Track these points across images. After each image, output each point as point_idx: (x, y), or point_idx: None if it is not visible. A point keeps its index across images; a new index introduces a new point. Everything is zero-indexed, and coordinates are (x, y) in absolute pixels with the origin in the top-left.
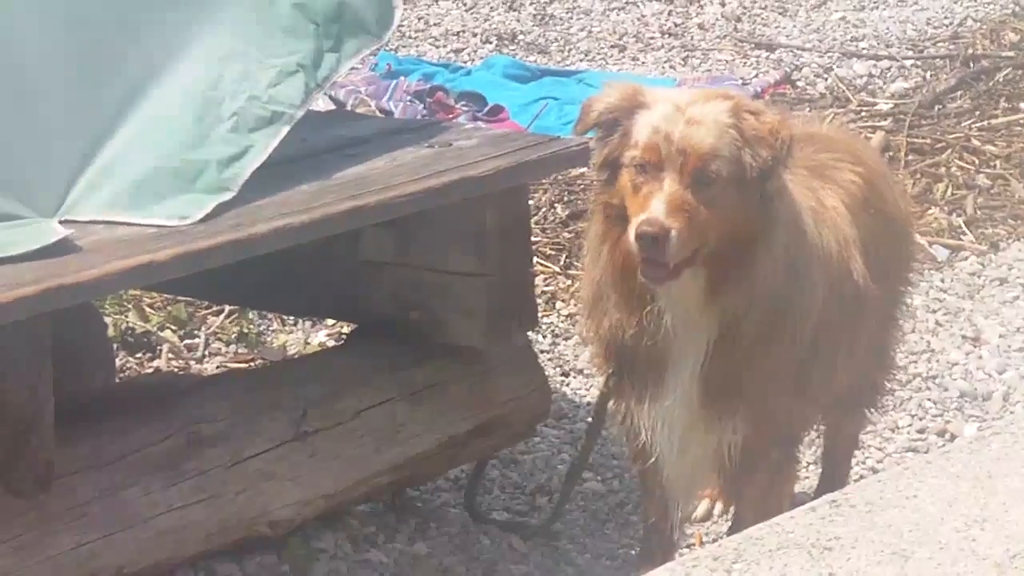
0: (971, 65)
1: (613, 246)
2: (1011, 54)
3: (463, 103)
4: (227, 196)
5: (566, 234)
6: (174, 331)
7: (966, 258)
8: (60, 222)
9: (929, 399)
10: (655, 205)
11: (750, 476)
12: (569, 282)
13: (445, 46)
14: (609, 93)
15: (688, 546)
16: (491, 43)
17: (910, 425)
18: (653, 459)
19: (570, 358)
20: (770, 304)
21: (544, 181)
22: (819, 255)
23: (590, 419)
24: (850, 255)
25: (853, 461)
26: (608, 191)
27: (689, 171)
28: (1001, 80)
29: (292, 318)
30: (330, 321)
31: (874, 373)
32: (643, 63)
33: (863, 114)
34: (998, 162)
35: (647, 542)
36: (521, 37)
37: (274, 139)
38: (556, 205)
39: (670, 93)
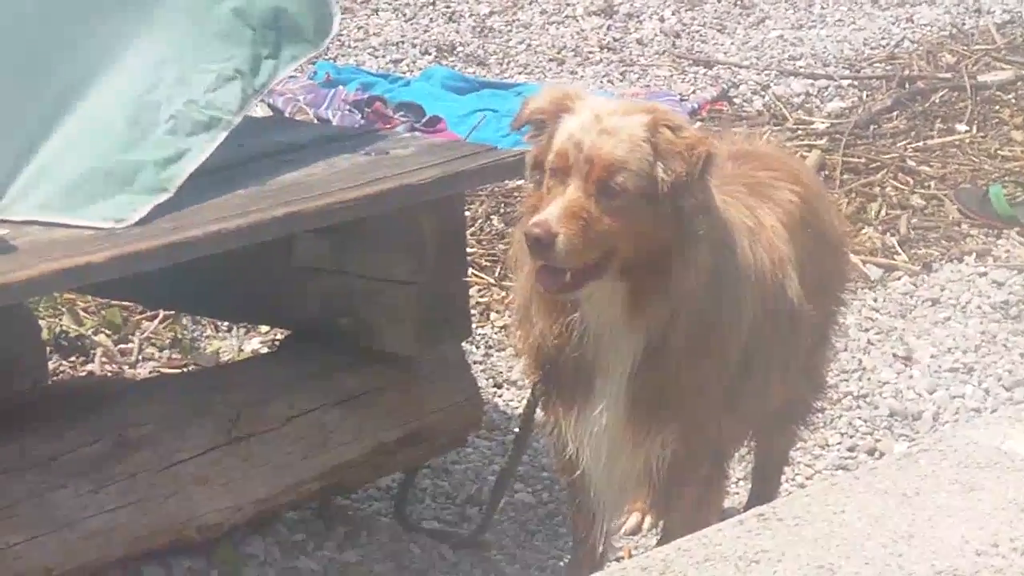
0: (907, 86)
1: None
2: (947, 76)
3: (401, 113)
4: (164, 197)
5: (502, 246)
6: (108, 335)
7: (899, 278)
8: None
9: (860, 417)
10: (550, 208)
11: (679, 490)
12: (504, 294)
13: (384, 56)
14: (542, 95)
15: (617, 559)
16: (430, 54)
17: (840, 443)
18: (580, 472)
19: (503, 369)
20: (696, 319)
21: (481, 193)
22: (749, 273)
23: (518, 429)
24: (785, 274)
25: (783, 477)
26: (536, 194)
27: (593, 180)
28: (937, 101)
29: (226, 324)
30: (264, 328)
31: (805, 391)
32: (581, 77)
33: (799, 132)
34: (932, 183)
35: (575, 554)
36: (460, 49)
37: (211, 144)
38: (492, 217)
39: (599, 101)
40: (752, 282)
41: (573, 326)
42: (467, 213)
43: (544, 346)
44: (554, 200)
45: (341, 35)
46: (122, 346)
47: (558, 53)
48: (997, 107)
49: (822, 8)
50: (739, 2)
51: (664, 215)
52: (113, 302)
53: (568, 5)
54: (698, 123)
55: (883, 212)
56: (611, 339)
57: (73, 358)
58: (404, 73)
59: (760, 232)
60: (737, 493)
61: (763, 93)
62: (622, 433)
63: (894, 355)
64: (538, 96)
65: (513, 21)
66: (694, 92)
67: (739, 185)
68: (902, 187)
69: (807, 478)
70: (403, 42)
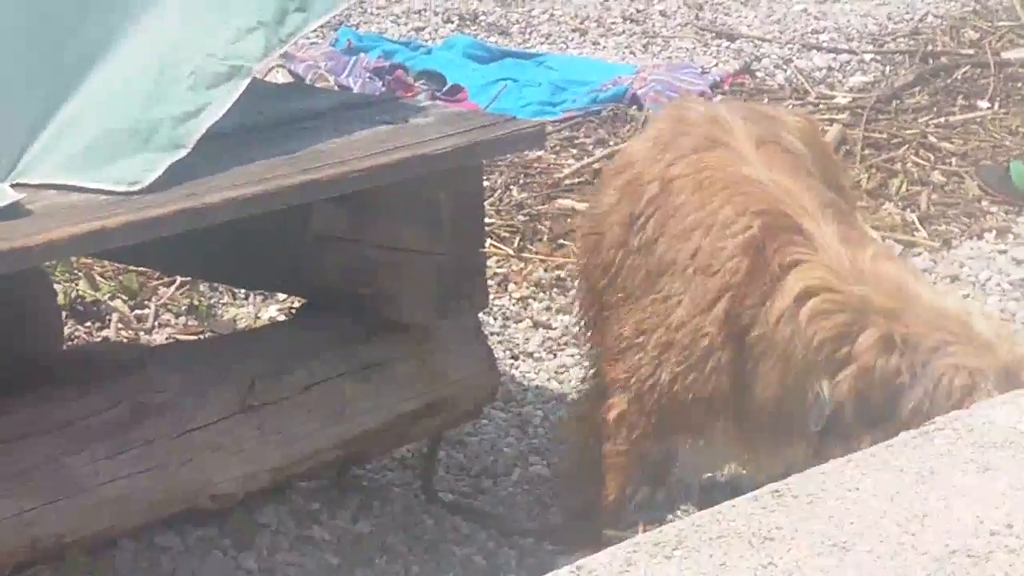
0: (930, 62)
1: None
2: (970, 52)
3: (422, 82)
4: (181, 153)
5: (520, 217)
6: (124, 301)
7: (919, 254)
8: (11, 186)
9: None
10: None
11: None
12: (522, 265)
13: (406, 24)
14: None
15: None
16: (452, 23)
17: None
18: None
19: (520, 341)
20: None
21: (500, 163)
22: None
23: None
24: None
25: None
26: None
27: None
28: (960, 77)
29: (243, 292)
30: (281, 296)
31: None
32: (604, 48)
33: (821, 107)
34: (954, 159)
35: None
36: (483, 18)
37: (233, 93)
38: (511, 187)
39: None
40: None
41: None
42: (486, 183)
43: None
44: None
45: (364, 2)
46: (138, 312)
47: (580, 24)
48: (1020, 84)
49: None
50: None
51: None
52: (130, 268)
53: None
54: (719, 96)
55: (904, 188)
56: None
57: (89, 323)
58: (426, 41)
59: None
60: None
61: (785, 67)
62: None
63: None
64: None
65: None
66: (716, 65)
67: None
68: (923, 163)
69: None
70: (425, 10)
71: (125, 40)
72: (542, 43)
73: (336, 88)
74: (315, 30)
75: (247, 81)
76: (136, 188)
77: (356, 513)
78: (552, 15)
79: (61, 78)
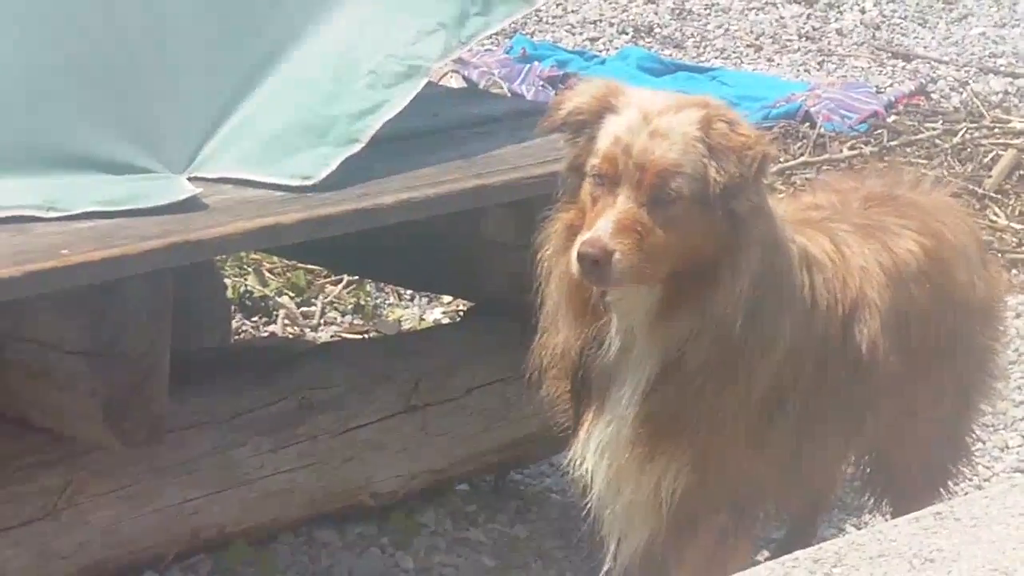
0: None
1: (570, 260)
2: None
3: None
4: (355, 148)
5: None
6: (291, 297)
7: None
8: (189, 179)
9: None
10: (601, 223)
11: (691, 538)
12: None
13: (581, 34)
14: (580, 92)
15: None
16: (627, 34)
17: (1021, 445)
18: (593, 494)
19: None
20: (722, 337)
21: None
22: (794, 300)
23: None
24: (857, 318)
25: (963, 477)
26: (571, 199)
27: (647, 188)
28: None
29: (409, 293)
30: (446, 299)
31: (945, 457)
32: (778, 64)
33: (996, 131)
34: None
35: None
36: (658, 30)
37: (410, 92)
38: None
39: (644, 97)
40: (798, 311)
41: (601, 332)
42: None
43: (568, 355)
44: (603, 213)
45: (539, 11)
46: (304, 309)
47: (756, 39)
48: None
49: None
50: None
51: (714, 221)
52: (299, 265)
53: None
54: (894, 116)
55: None
56: (631, 348)
57: (256, 318)
58: (600, 52)
59: (838, 268)
60: None
61: (961, 90)
62: (629, 454)
63: None
64: (577, 93)
65: (712, 5)
66: (891, 85)
67: (846, 224)
68: None
69: (985, 480)
70: (601, 21)
71: (307, 40)
72: (716, 57)
73: (509, 95)
74: (490, 37)
75: (424, 80)
76: (310, 183)
77: (513, 517)
78: (727, 30)
79: (242, 75)
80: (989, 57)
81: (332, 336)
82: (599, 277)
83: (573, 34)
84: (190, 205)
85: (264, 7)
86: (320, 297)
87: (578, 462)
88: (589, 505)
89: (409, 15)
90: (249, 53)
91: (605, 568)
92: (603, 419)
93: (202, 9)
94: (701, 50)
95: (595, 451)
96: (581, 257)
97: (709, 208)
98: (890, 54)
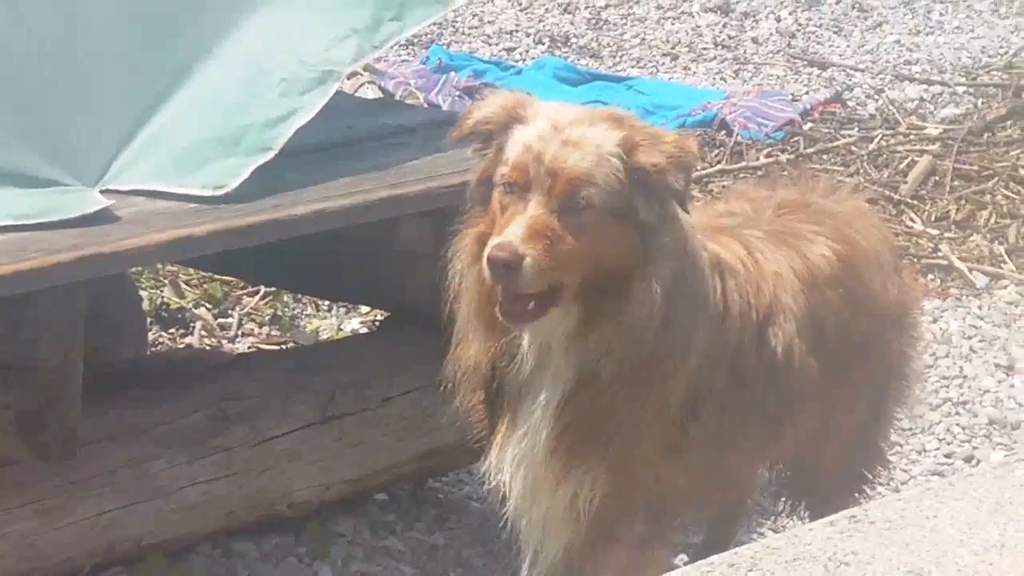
0: (1023, 95)
1: (481, 272)
2: None
3: None
4: (268, 156)
5: None
6: (208, 309)
7: (1005, 287)
8: (101, 191)
9: (958, 424)
10: (512, 229)
11: (608, 546)
12: None
13: (497, 44)
14: (488, 103)
15: None
16: (543, 44)
17: (937, 449)
18: (510, 504)
19: None
20: (635, 347)
21: None
22: (707, 307)
23: None
24: (772, 323)
25: (879, 481)
26: (480, 213)
27: (557, 195)
28: None
29: (326, 304)
30: (364, 309)
31: (859, 462)
32: (694, 73)
33: (911, 137)
34: None
35: None
36: (574, 40)
37: (322, 98)
38: None
39: (553, 109)
40: (711, 318)
41: (512, 347)
42: None
43: (480, 368)
44: (514, 219)
45: (455, 21)
46: (222, 320)
47: (672, 48)
48: None
49: (940, 15)
50: (857, 4)
51: (625, 233)
52: (215, 276)
53: (684, 1)
54: (810, 124)
55: (993, 220)
56: (547, 362)
57: (173, 330)
58: (516, 62)
59: (752, 274)
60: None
61: (877, 97)
62: (544, 465)
63: (996, 364)
64: (484, 104)
65: (628, 15)
66: (807, 93)
67: (759, 230)
68: (1013, 196)
69: (902, 483)
70: (517, 31)
71: (220, 51)
72: (632, 67)
73: (425, 105)
74: (406, 47)
75: (336, 85)
76: (223, 192)
77: (432, 525)
78: (643, 39)
79: (156, 87)
80: (904, 64)
81: (249, 348)
82: (510, 281)
83: (489, 44)
84: (102, 218)
85: (177, 20)
86: (237, 309)
87: (494, 473)
88: (507, 515)
89: (322, 22)
90: (162, 65)
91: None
92: (518, 432)
93: (115, 22)
94: (617, 60)
95: (511, 463)
96: (492, 261)
97: (619, 219)
98: (806, 62)
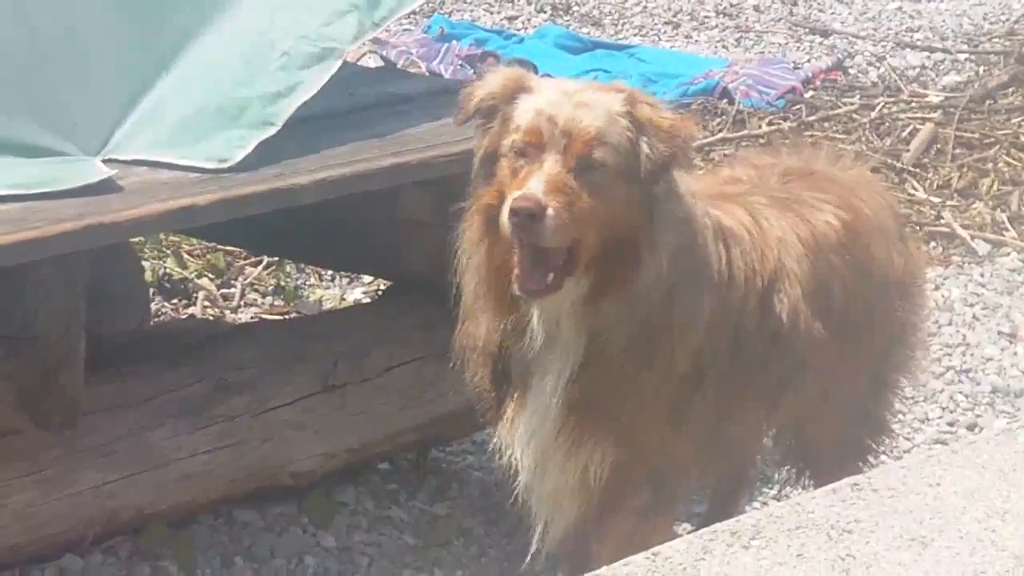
0: None
1: (490, 248)
2: None
3: None
4: (270, 131)
5: None
6: (211, 279)
7: (1007, 254)
8: (103, 161)
9: (961, 392)
10: (532, 183)
11: (613, 516)
12: None
13: (499, 12)
14: (490, 79)
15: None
16: (545, 12)
17: (940, 417)
18: (520, 479)
19: None
20: (643, 319)
21: None
22: (712, 275)
23: None
24: (777, 289)
25: (882, 449)
26: (487, 188)
27: (574, 154)
28: None
29: (329, 274)
30: (367, 278)
31: (861, 431)
32: (696, 41)
33: (913, 105)
34: None
35: None
36: (576, 8)
37: (324, 74)
38: None
39: (560, 82)
40: (715, 285)
41: (522, 323)
42: None
43: (489, 344)
44: (532, 175)
45: None
46: (224, 291)
47: (674, 16)
48: None
49: None
50: None
51: (636, 197)
52: (218, 247)
53: None
54: (812, 91)
55: (995, 187)
56: (556, 338)
57: (175, 300)
58: (518, 30)
59: (757, 240)
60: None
61: (878, 64)
62: (554, 440)
63: (999, 332)
64: (487, 81)
65: None
66: (809, 61)
67: (763, 197)
68: (1015, 163)
69: (905, 451)
70: None
71: (220, 22)
72: (634, 35)
73: (427, 74)
74: (408, 17)
75: (339, 63)
76: (225, 165)
77: (434, 495)
78: (645, 7)
79: (155, 59)
80: (906, 32)
81: (252, 318)
82: (533, 232)
83: (491, 13)
84: (104, 187)
85: None
86: (240, 279)
87: (504, 449)
88: (516, 490)
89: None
90: (161, 37)
91: (532, 550)
92: (528, 407)
93: None
94: (619, 28)
95: (522, 439)
96: (515, 211)
97: (630, 182)
98: (807, 30)
